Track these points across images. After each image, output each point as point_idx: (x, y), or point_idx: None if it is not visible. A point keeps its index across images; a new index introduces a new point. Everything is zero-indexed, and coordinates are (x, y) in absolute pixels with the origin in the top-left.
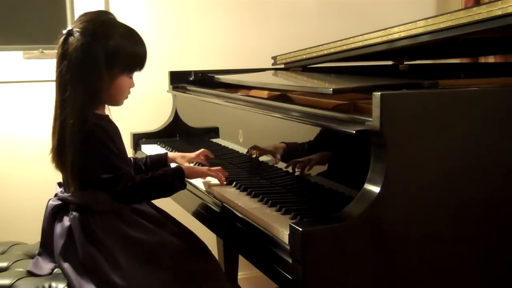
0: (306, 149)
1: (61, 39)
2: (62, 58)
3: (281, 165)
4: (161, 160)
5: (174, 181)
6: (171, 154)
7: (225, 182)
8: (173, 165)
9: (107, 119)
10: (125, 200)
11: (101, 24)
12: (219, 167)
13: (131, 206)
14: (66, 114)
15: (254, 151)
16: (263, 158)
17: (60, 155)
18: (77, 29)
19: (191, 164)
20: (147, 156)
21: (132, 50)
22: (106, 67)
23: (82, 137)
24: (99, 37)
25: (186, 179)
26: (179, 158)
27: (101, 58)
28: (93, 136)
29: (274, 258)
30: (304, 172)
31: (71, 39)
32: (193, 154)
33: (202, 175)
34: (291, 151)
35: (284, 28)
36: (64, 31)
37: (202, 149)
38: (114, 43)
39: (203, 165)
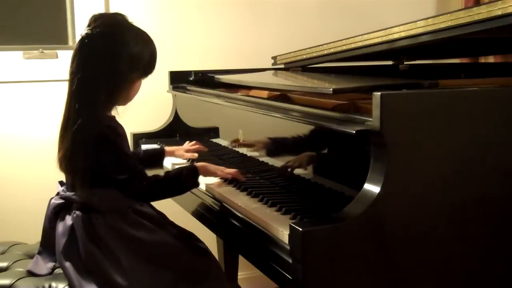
0: (306, 149)
1: (80, 41)
2: (83, 60)
3: (281, 165)
4: (157, 154)
5: (188, 180)
6: (168, 149)
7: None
8: (176, 160)
9: (116, 120)
10: (141, 199)
11: (124, 29)
12: (235, 170)
13: (133, 207)
14: (83, 116)
15: (252, 148)
16: (262, 158)
17: (72, 158)
18: (100, 32)
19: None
20: (143, 151)
21: (150, 56)
22: (128, 70)
23: (96, 139)
24: (124, 41)
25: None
26: (177, 152)
27: (126, 61)
28: (106, 138)
29: (274, 258)
30: (304, 172)
31: (93, 41)
32: (186, 146)
33: (216, 174)
34: (289, 150)
35: (284, 28)
36: (83, 33)
37: (194, 141)
38: (138, 49)
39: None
